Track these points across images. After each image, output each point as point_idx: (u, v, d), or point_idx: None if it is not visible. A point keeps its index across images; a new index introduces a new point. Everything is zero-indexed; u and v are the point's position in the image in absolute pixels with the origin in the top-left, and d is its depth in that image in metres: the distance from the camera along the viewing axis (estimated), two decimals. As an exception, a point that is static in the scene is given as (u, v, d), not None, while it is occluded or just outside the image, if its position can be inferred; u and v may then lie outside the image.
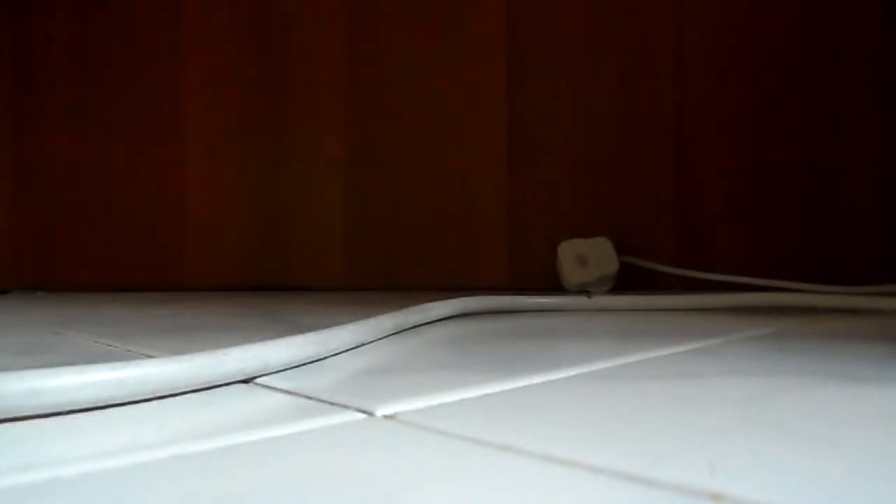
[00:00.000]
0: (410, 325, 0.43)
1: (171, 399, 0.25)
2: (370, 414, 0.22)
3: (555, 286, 0.87)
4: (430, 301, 0.49)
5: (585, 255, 0.82)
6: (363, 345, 0.36)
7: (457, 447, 0.19)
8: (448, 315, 0.49)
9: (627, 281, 0.86)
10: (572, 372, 0.28)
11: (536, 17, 0.90)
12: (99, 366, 0.22)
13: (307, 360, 0.31)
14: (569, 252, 0.83)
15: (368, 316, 0.46)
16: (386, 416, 0.22)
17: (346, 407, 0.22)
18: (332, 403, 0.23)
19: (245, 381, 0.27)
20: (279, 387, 0.26)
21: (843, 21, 0.83)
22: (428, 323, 0.47)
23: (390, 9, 0.94)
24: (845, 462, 0.17)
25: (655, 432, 0.20)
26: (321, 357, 0.32)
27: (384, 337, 0.39)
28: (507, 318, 0.52)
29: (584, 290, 0.81)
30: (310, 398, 0.24)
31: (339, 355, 0.34)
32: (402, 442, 0.19)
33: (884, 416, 0.21)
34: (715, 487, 0.15)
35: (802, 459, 0.17)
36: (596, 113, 0.89)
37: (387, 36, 0.94)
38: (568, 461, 0.17)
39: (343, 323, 0.36)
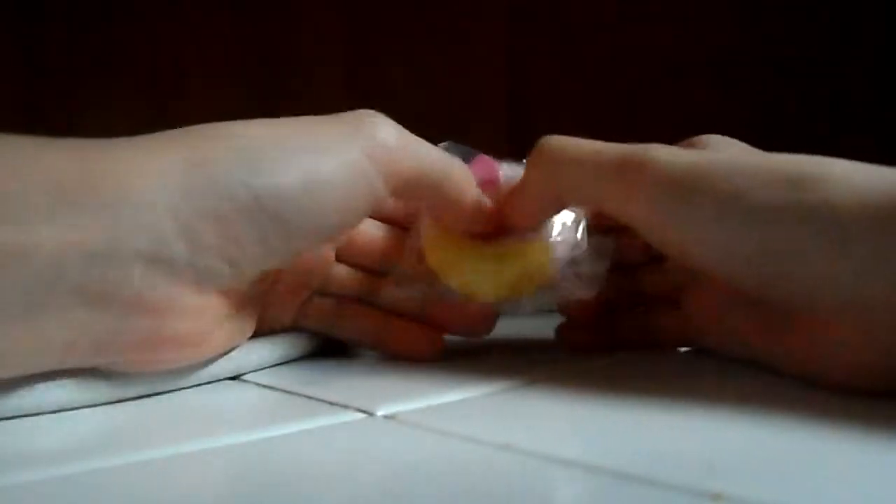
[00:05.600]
0: None
1: (171, 394, 0.25)
2: (370, 414, 0.22)
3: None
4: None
5: None
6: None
7: (457, 447, 0.19)
8: None
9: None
10: (572, 370, 0.28)
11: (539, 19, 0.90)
12: None
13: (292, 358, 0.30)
14: None
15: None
16: (386, 416, 0.21)
17: (346, 407, 0.22)
18: (332, 403, 0.23)
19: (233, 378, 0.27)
20: (274, 385, 0.26)
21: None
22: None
23: (392, 18, 0.94)
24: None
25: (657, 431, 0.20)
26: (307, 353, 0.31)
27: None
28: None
29: None
30: (310, 398, 0.24)
31: (336, 355, 0.33)
32: (402, 442, 0.19)
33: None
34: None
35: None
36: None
37: (388, 40, 0.94)
38: (568, 461, 0.17)
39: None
